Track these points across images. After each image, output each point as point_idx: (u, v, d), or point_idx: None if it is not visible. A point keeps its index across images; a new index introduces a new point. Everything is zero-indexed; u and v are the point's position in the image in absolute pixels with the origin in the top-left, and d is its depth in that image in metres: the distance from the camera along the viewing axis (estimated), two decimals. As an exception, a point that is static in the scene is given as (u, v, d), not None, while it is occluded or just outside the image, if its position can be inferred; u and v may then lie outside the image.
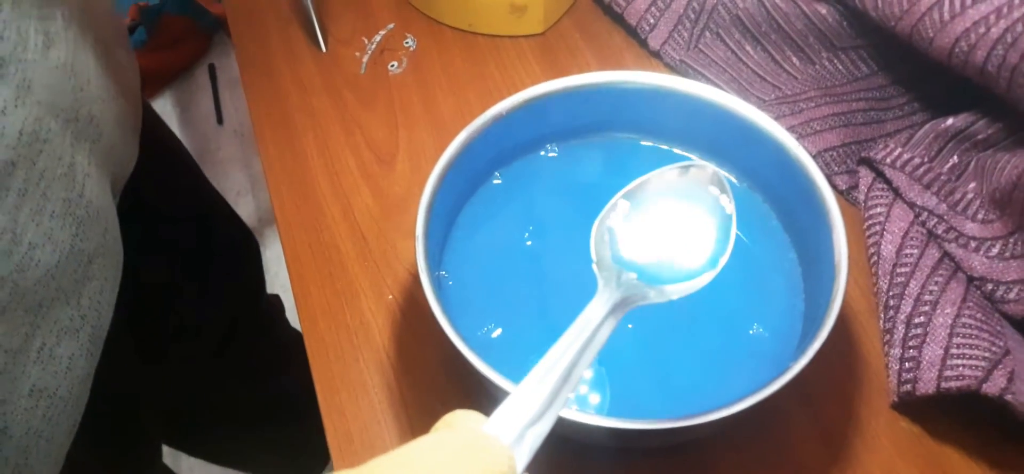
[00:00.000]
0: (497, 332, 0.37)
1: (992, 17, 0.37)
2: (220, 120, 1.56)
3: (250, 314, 0.66)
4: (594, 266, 0.27)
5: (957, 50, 0.38)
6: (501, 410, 0.21)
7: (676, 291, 0.26)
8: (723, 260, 0.27)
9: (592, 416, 0.30)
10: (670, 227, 0.27)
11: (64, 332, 0.32)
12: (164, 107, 1.58)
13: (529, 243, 0.40)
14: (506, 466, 0.19)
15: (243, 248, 0.65)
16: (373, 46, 0.50)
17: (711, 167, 0.28)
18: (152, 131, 0.47)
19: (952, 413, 0.36)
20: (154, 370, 0.48)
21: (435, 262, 0.38)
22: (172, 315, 0.53)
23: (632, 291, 0.26)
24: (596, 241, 0.27)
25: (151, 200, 0.46)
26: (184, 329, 0.55)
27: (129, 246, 0.38)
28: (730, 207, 0.27)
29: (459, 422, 0.19)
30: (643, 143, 0.42)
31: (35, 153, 0.29)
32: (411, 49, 0.50)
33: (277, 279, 1.08)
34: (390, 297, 0.41)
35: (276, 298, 0.74)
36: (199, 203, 0.59)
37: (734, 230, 0.27)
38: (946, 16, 0.38)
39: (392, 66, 0.50)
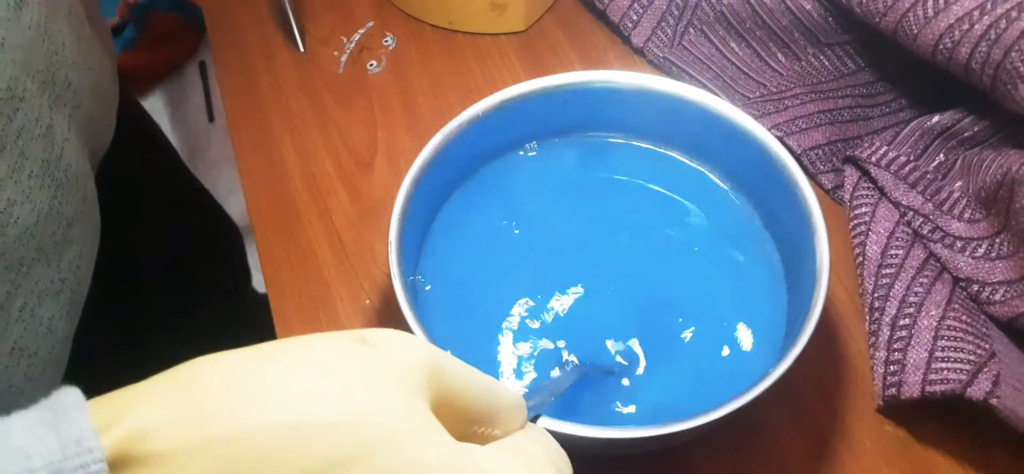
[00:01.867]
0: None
1: (976, 13, 0.36)
2: (211, 118, 1.54)
3: (232, 305, 0.65)
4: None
5: (941, 47, 0.37)
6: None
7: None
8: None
9: (572, 425, 0.30)
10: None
11: (45, 294, 0.33)
12: (155, 105, 1.57)
13: (507, 245, 0.39)
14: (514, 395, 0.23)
15: (224, 239, 0.65)
16: (352, 45, 0.49)
17: None
18: (130, 113, 0.47)
19: (937, 416, 0.35)
20: (130, 353, 0.48)
21: (411, 266, 0.37)
22: (148, 299, 0.53)
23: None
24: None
25: (129, 181, 0.46)
26: (161, 312, 0.55)
27: (105, 226, 0.39)
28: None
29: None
30: (623, 142, 0.41)
31: (12, 110, 0.30)
32: (390, 48, 0.49)
33: (259, 278, 1.07)
34: (367, 302, 0.40)
35: (264, 297, 0.73)
36: (179, 191, 0.59)
37: None
38: (930, 12, 0.38)
39: (371, 65, 0.49)
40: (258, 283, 0.75)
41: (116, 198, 0.41)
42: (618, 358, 0.35)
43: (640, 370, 0.35)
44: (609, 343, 0.36)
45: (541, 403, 0.27)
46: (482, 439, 0.22)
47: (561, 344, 0.36)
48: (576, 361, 0.35)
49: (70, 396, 0.17)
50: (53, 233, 0.33)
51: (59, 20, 0.34)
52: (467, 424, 0.22)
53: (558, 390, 0.30)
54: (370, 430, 0.18)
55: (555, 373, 0.35)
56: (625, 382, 0.35)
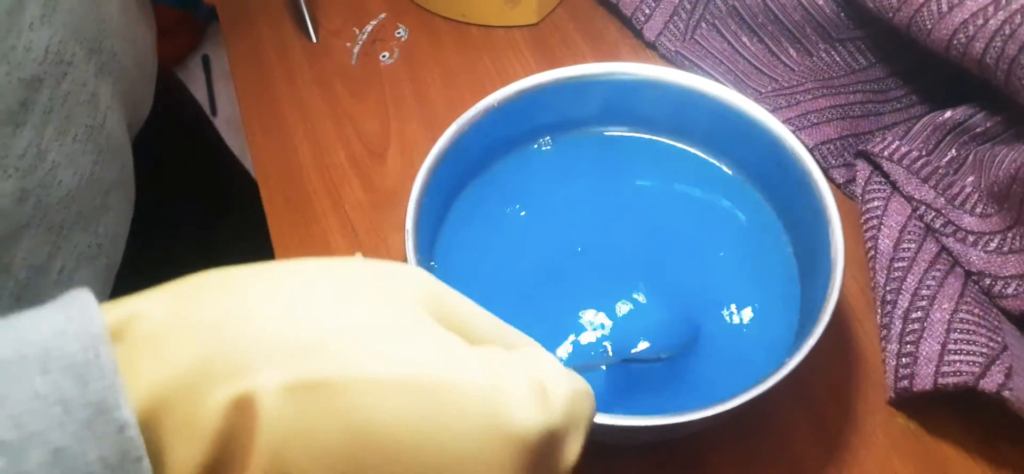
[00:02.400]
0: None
1: (990, 8, 0.36)
2: (214, 111, 1.55)
3: None
4: None
5: (955, 42, 0.37)
6: None
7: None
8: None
9: None
10: None
11: (82, 258, 0.34)
12: (157, 98, 1.57)
13: (521, 237, 0.39)
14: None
15: (256, 210, 0.66)
16: (364, 36, 0.49)
17: None
18: (167, 88, 0.48)
19: (949, 409, 0.36)
20: None
21: (425, 255, 0.37)
22: (178, 271, 0.53)
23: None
24: None
25: (164, 154, 0.47)
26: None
27: (139, 196, 0.40)
28: None
29: None
30: (637, 136, 0.41)
31: (60, 74, 0.31)
32: (403, 39, 0.50)
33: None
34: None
35: None
36: (213, 165, 0.59)
37: None
38: (944, 7, 0.38)
39: (383, 57, 0.49)
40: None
41: (150, 170, 0.42)
42: (641, 345, 0.35)
43: (648, 356, 0.35)
44: (620, 334, 0.36)
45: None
46: None
47: (573, 335, 0.36)
48: (609, 349, 0.35)
49: (80, 291, 0.18)
50: (93, 198, 0.34)
51: None
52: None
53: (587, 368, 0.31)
54: (370, 310, 0.19)
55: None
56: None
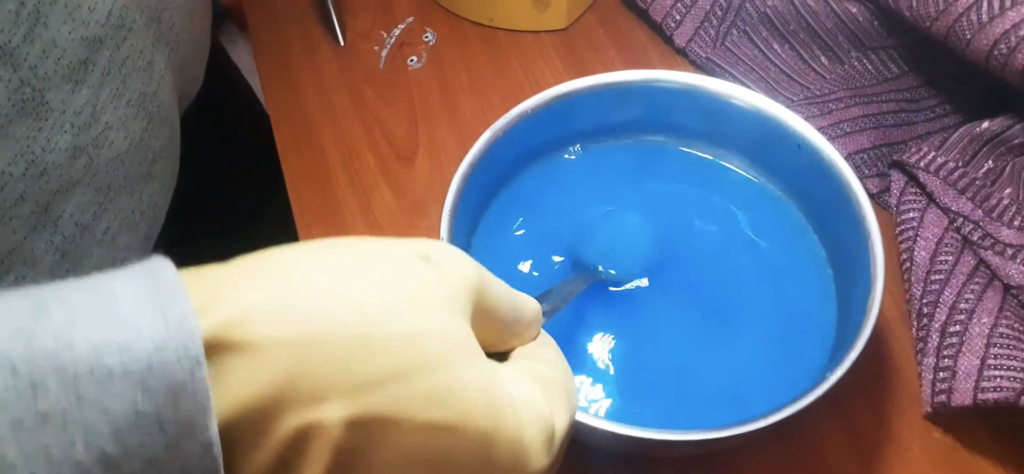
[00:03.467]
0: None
1: (1034, 19, 0.36)
2: (227, 110, 1.55)
3: None
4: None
5: (996, 53, 0.37)
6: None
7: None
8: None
9: (621, 425, 0.30)
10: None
11: (126, 222, 0.35)
12: (170, 96, 1.57)
13: (550, 242, 0.39)
14: (536, 304, 0.25)
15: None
16: (392, 40, 0.49)
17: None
18: (219, 63, 0.49)
19: (986, 423, 0.35)
20: None
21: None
22: (217, 245, 0.54)
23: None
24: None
25: (212, 131, 0.48)
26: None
27: (184, 170, 0.40)
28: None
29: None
30: (670, 144, 0.41)
31: (120, 38, 0.31)
32: (431, 44, 0.49)
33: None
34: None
35: None
36: (260, 145, 0.60)
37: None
38: (985, 17, 0.37)
39: (412, 61, 0.49)
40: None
41: (197, 146, 0.42)
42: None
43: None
44: (659, 344, 0.36)
45: (553, 309, 0.30)
46: (503, 347, 0.25)
47: (609, 340, 0.36)
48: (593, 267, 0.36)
49: (167, 270, 0.17)
50: (140, 164, 0.34)
51: None
52: (496, 335, 0.24)
53: (568, 296, 0.32)
54: (430, 348, 0.20)
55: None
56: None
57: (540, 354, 0.25)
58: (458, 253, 0.23)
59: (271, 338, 0.18)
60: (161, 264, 0.17)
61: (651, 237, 0.38)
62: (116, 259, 0.34)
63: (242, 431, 0.17)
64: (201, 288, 0.18)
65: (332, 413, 0.18)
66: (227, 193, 0.55)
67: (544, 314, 0.26)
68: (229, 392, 0.17)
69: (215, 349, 0.17)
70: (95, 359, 0.15)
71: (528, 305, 0.25)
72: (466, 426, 0.20)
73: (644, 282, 0.37)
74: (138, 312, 0.16)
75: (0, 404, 0.14)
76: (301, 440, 0.18)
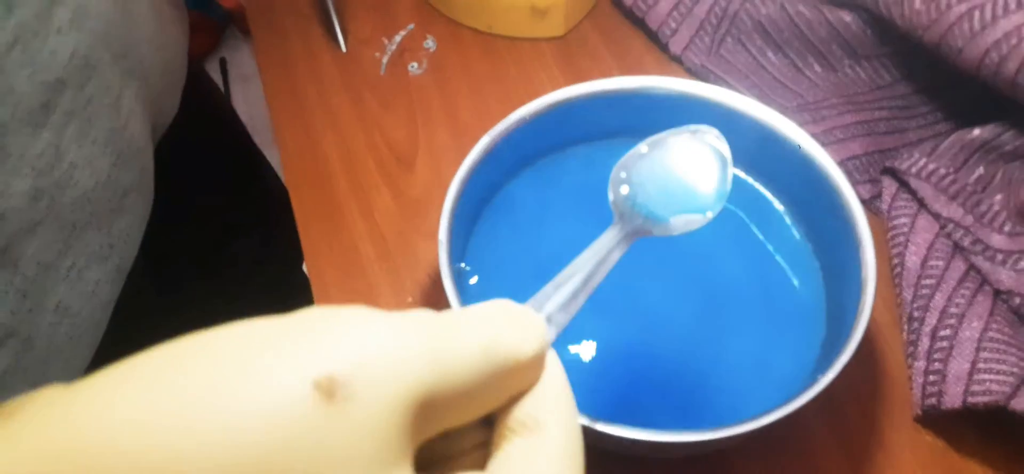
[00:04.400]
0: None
1: None
2: (230, 115, 1.56)
3: (284, 282, 0.66)
4: (611, 204, 0.30)
5: (987, 61, 0.38)
6: (531, 300, 0.21)
7: (677, 225, 0.30)
8: (720, 204, 0.30)
9: (610, 426, 0.30)
10: (677, 176, 0.31)
11: (94, 257, 0.34)
12: (174, 101, 1.58)
13: (548, 245, 0.39)
14: (540, 329, 0.18)
15: (282, 215, 0.66)
16: (393, 46, 0.50)
17: (714, 130, 0.31)
18: (197, 87, 0.48)
19: (976, 427, 0.36)
20: (171, 313, 0.49)
21: (457, 260, 0.37)
22: (199, 268, 0.53)
23: (640, 225, 0.29)
24: (613, 183, 0.30)
25: (190, 154, 0.47)
26: (212, 282, 0.55)
27: (160, 195, 0.39)
28: (727, 155, 0.31)
29: (495, 301, 0.18)
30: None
31: (85, 78, 0.31)
32: (431, 50, 0.50)
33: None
34: (409, 300, 0.41)
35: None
36: (238, 163, 0.59)
37: (730, 173, 0.31)
38: (977, 26, 0.38)
39: (412, 67, 0.49)
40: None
41: (174, 170, 0.42)
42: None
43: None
44: (650, 341, 0.36)
45: (569, 306, 0.22)
46: (489, 413, 0.17)
47: (601, 338, 0.36)
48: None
49: None
50: (108, 200, 0.34)
51: None
52: (476, 409, 0.17)
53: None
54: None
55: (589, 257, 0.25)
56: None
57: (535, 421, 0.17)
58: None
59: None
60: None
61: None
62: (84, 294, 0.33)
63: None
64: None
65: None
66: (207, 213, 0.54)
67: (557, 323, 0.20)
68: None
69: None
70: None
71: (523, 342, 0.17)
72: None
73: (707, 218, 0.29)
74: None
75: None
76: None
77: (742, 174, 0.40)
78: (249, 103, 1.57)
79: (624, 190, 0.30)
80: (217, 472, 0.12)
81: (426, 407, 0.15)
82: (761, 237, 0.39)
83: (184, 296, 0.50)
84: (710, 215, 0.30)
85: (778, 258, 0.39)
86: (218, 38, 1.65)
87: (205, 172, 0.53)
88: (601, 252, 0.25)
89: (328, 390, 0.13)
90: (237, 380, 0.13)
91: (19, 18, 0.27)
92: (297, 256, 0.72)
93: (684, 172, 0.31)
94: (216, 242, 0.56)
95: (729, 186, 0.30)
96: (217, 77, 1.60)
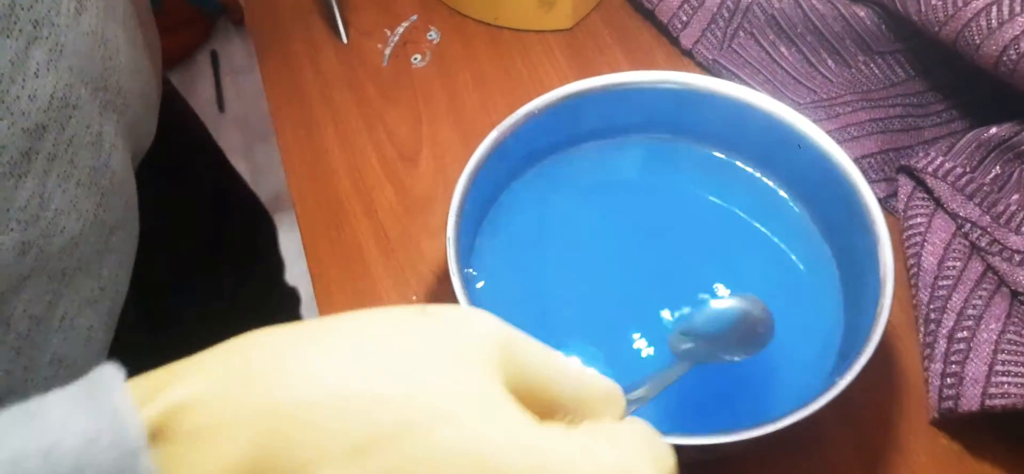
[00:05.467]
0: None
1: (1045, 25, 0.36)
2: (222, 108, 1.54)
3: (264, 300, 0.65)
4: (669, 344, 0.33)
5: (1005, 58, 0.37)
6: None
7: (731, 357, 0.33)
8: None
9: None
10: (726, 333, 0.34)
11: (85, 303, 0.32)
12: (165, 93, 1.55)
13: (558, 242, 0.38)
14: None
15: (261, 231, 0.64)
16: (396, 38, 0.49)
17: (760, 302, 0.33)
18: (172, 108, 0.46)
19: (993, 430, 0.35)
20: (161, 347, 0.48)
21: (464, 262, 0.36)
22: (180, 294, 0.52)
23: (697, 358, 0.32)
24: (673, 341, 0.33)
25: (167, 176, 0.46)
26: (196, 301, 0.54)
27: (142, 222, 0.38)
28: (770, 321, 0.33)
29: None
30: (678, 144, 0.41)
31: (65, 118, 0.29)
32: (434, 42, 0.49)
33: (290, 272, 1.08)
34: (414, 298, 0.40)
35: (293, 291, 0.73)
36: (215, 182, 0.58)
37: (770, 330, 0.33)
38: (994, 23, 0.37)
39: (415, 59, 0.48)
40: (290, 276, 0.74)
41: (153, 194, 0.41)
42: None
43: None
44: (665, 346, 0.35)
45: (643, 397, 0.25)
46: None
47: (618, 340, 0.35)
48: (690, 346, 0.32)
49: (108, 371, 0.17)
50: (95, 242, 0.32)
51: (115, 26, 0.33)
52: (552, 411, 0.20)
53: (664, 383, 0.28)
54: (424, 404, 0.17)
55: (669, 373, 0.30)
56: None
57: (621, 437, 0.20)
58: (469, 310, 0.20)
59: (228, 415, 0.16)
60: (104, 368, 0.16)
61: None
62: (78, 342, 0.32)
63: None
64: (150, 382, 0.17)
65: None
66: (185, 232, 0.53)
67: (633, 400, 0.22)
68: None
69: (165, 435, 0.16)
70: (14, 469, 0.14)
71: (595, 380, 0.21)
72: None
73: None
74: (66, 414, 0.15)
75: None
76: None
77: (758, 173, 0.40)
78: (241, 97, 1.55)
79: (686, 345, 0.33)
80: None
81: (505, 351, 0.19)
82: (776, 238, 0.38)
83: (171, 323, 0.49)
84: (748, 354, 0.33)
85: (794, 258, 0.38)
86: (209, 30, 1.63)
87: (181, 190, 0.52)
88: (665, 380, 0.29)
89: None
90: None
91: None
92: (278, 266, 0.71)
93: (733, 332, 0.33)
94: (200, 261, 0.55)
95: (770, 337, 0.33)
96: (209, 70, 1.58)
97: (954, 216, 0.38)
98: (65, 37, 0.29)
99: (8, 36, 0.26)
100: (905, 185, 0.40)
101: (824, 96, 0.44)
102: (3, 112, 0.26)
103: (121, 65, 0.34)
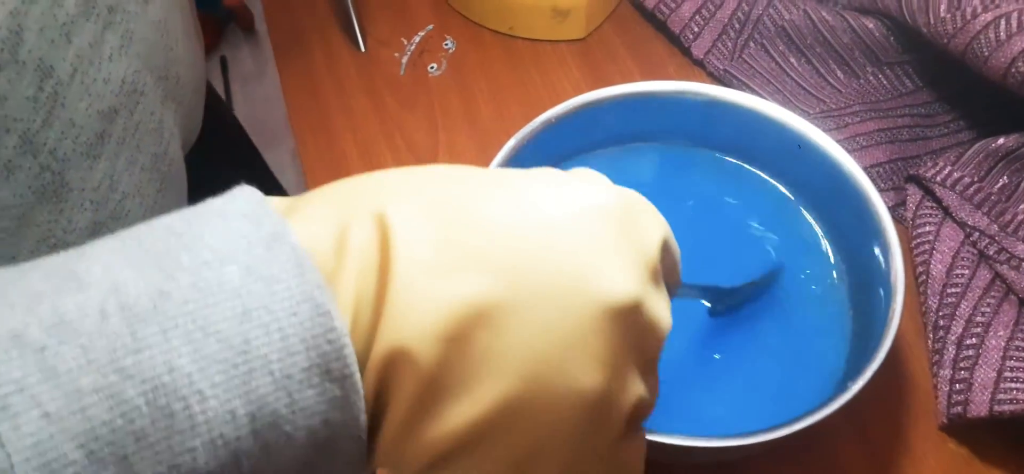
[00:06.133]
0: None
1: (1052, 38, 0.36)
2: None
3: None
4: None
5: (1014, 70, 0.38)
6: None
7: None
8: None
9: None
10: None
11: None
12: (175, 98, 1.57)
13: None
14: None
15: None
16: (412, 47, 0.50)
17: None
18: (210, 103, 0.48)
19: (1000, 435, 0.36)
20: None
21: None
22: None
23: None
24: None
25: (206, 166, 0.47)
26: None
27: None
28: None
29: None
30: (692, 153, 0.41)
31: (133, 104, 0.31)
32: (450, 51, 0.50)
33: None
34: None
35: None
36: (248, 179, 0.59)
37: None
38: (1003, 35, 0.38)
39: (431, 68, 0.49)
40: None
41: (192, 183, 0.42)
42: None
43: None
44: (680, 351, 0.36)
45: None
46: None
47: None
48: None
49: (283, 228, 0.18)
50: None
51: (175, 16, 0.34)
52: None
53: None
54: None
55: None
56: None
57: None
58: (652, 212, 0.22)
59: (451, 252, 0.18)
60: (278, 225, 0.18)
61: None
62: None
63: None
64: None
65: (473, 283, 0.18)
66: None
67: None
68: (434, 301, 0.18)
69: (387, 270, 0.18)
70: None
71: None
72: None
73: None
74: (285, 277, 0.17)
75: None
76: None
77: (771, 180, 0.40)
78: (250, 103, 1.56)
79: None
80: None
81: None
82: (787, 245, 0.39)
83: None
84: None
85: (804, 264, 0.38)
86: (219, 37, 1.64)
87: (216, 182, 0.53)
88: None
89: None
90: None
91: (77, 47, 0.27)
92: None
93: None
94: None
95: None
96: (218, 76, 1.59)
97: (962, 225, 0.39)
98: (134, 24, 0.30)
99: (88, 19, 0.27)
100: (914, 194, 0.41)
101: (833, 106, 0.45)
102: (82, 92, 0.27)
103: (179, 56, 0.35)
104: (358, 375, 0.17)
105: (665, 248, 0.22)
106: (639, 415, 0.21)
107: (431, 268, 0.18)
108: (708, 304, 0.37)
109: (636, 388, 0.20)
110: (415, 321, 0.17)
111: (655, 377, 0.22)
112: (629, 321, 0.20)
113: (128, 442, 0.15)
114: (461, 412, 0.18)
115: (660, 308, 0.21)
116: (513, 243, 0.19)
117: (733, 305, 0.37)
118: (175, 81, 0.35)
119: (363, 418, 0.18)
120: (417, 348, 0.17)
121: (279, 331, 0.16)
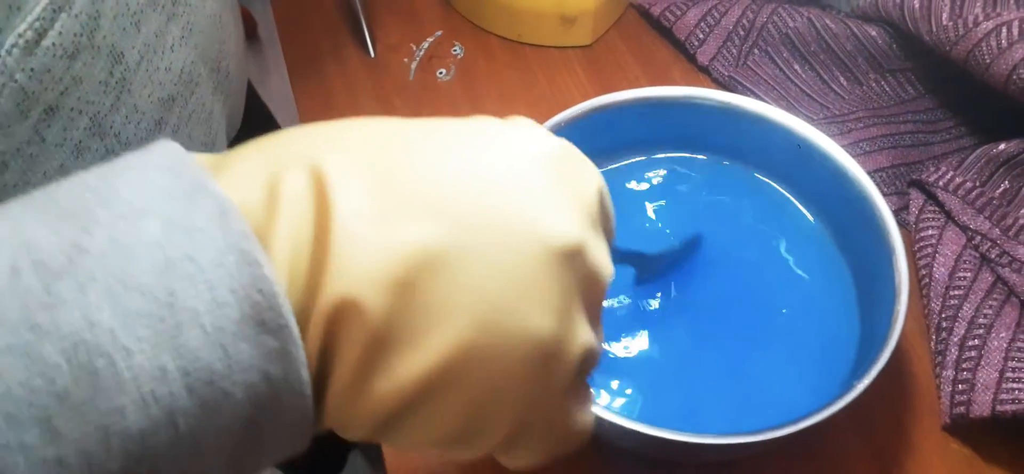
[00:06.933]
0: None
1: (1052, 45, 0.37)
2: (236, 117, 1.55)
3: None
4: None
5: (1015, 77, 0.38)
6: None
7: None
8: None
9: (644, 425, 0.30)
10: None
11: None
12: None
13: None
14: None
15: None
16: (421, 53, 0.50)
17: None
18: (249, 99, 0.49)
19: (1003, 435, 0.36)
20: None
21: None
22: None
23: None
24: None
25: None
26: None
27: None
28: None
29: None
30: (696, 155, 0.42)
31: (189, 93, 0.32)
32: (459, 57, 0.51)
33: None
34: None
35: None
36: None
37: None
38: (1004, 43, 0.39)
39: (440, 73, 0.50)
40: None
41: None
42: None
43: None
44: (688, 352, 0.37)
45: None
46: None
47: (638, 345, 0.36)
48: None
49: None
50: None
51: (227, 12, 0.35)
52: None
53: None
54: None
55: None
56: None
57: None
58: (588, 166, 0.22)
59: (389, 208, 0.18)
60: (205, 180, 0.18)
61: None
62: None
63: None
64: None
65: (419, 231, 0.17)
66: None
67: None
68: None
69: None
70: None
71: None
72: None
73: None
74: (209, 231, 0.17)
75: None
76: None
77: (775, 185, 0.41)
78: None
79: None
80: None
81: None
82: (792, 247, 0.40)
83: None
84: None
85: (809, 266, 0.39)
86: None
87: None
88: None
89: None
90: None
91: (144, 35, 0.28)
92: None
93: None
94: None
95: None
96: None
97: (965, 229, 0.40)
98: (194, 16, 0.31)
99: (154, 9, 0.28)
100: (916, 198, 0.41)
101: (837, 112, 0.46)
102: (146, 80, 0.28)
103: (230, 51, 0.36)
104: (295, 325, 0.16)
105: (601, 199, 0.22)
106: (587, 365, 0.21)
107: (374, 217, 0.17)
108: (635, 269, 0.37)
109: (585, 334, 0.20)
110: (361, 270, 0.17)
111: (601, 328, 0.22)
112: (576, 264, 0.19)
113: (50, 403, 0.14)
114: (414, 362, 0.17)
115: (602, 254, 0.21)
116: (456, 189, 0.18)
117: (658, 271, 0.37)
118: (225, 74, 0.36)
119: (305, 373, 0.17)
120: (365, 297, 0.17)
121: (206, 282, 0.16)
